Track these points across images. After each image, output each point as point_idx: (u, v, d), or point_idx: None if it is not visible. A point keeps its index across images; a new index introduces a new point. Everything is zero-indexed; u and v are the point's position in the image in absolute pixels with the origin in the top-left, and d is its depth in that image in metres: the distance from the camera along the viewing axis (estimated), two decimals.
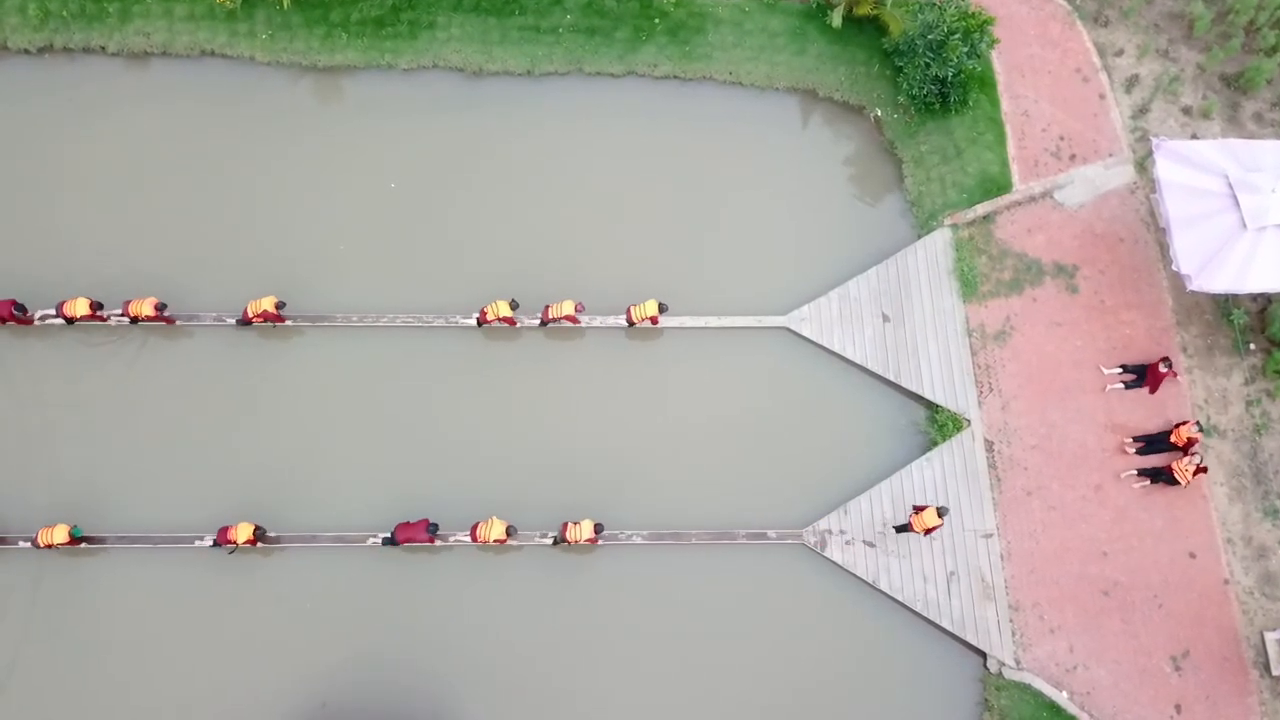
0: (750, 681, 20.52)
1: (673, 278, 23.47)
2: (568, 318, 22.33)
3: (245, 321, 22.16)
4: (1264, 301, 23.21)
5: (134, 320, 22.05)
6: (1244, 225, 21.12)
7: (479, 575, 20.99)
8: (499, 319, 22.15)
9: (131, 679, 19.95)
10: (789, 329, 23.24)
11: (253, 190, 23.95)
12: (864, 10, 24.98)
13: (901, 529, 21.06)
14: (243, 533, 20.10)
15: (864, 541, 21.35)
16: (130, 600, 20.47)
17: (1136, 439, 21.93)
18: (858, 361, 22.98)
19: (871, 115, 25.68)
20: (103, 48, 24.84)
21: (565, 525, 20.57)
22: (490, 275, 23.29)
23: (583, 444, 22.13)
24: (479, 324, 22.60)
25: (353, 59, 25.16)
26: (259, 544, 20.43)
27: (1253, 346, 22.99)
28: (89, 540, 20.51)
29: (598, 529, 20.50)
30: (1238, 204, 21.27)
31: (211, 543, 20.48)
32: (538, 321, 22.73)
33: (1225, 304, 23.12)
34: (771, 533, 21.43)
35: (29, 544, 20.29)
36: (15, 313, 21.69)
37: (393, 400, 22.28)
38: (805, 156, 25.41)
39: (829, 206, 24.85)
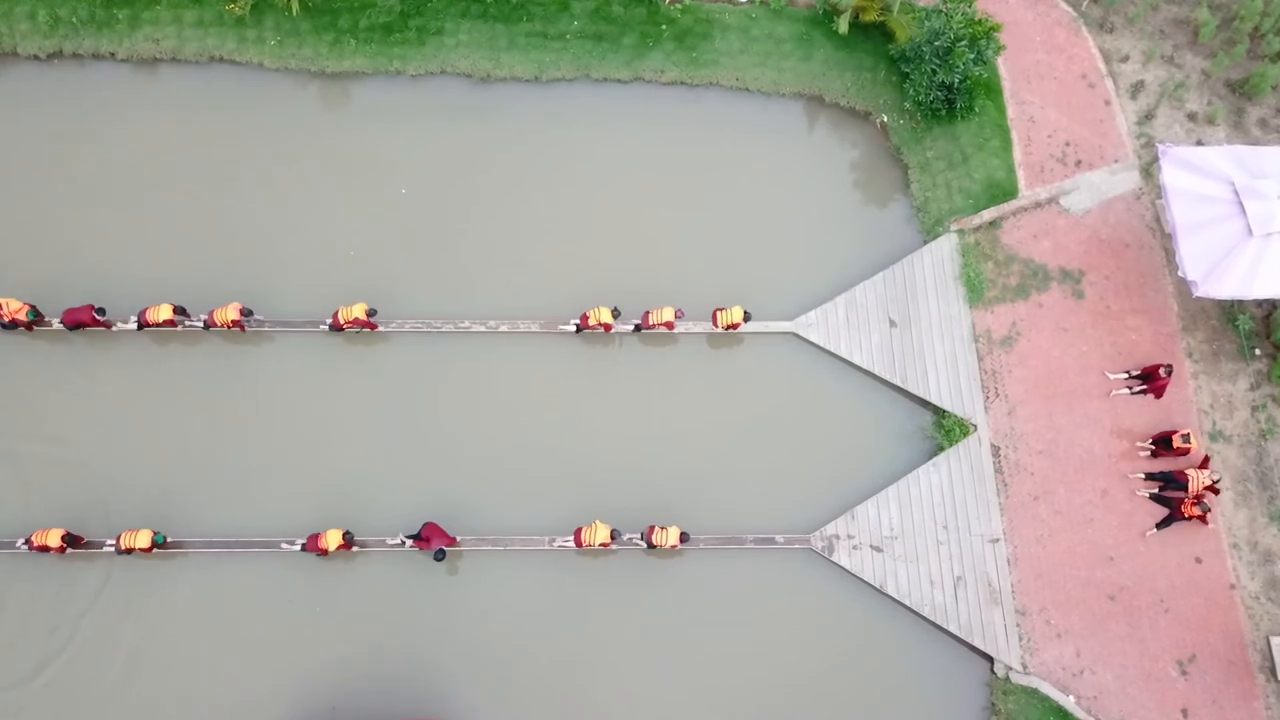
0: (757, 685, 20.58)
1: (678, 283, 23.54)
2: (666, 324, 22.47)
3: (337, 328, 22.22)
4: (1269, 307, 23.27)
5: (208, 326, 22.08)
6: (1250, 231, 21.18)
7: (483, 579, 21.07)
8: (599, 324, 22.32)
9: (138, 680, 20.00)
10: (796, 334, 23.32)
11: (260, 195, 24.00)
12: (870, 17, 25.07)
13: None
14: (333, 539, 20.17)
15: (871, 546, 21.43)
16: (142, 603, 20.53)
17: (1149, 475, 21.89)
18: (864, 367, 23.06)
19: (878, 121, 25.77)
20: (112, 54, 24.94)
21: (651, 529, 20.75)
22: (493, 278, 23.46)
23: (587, 448, 22.21)
24: (578, 330, 22.73)
25: (361, 65, 25.27)
26: (351, 549, 20.58)
27: (1258, 352, 23.06)
28: (169, 546, 20.54)
29: (683, 538, 20.71)
30: (1243, 210, 21.33)
31: (300, 548, 20.56)
32: (631, 327, 22.88)
33: (1231, 309, 23.18)
34: (779, 537, 21.52)
35: (112, 546, 20.33)
36: (96, 316, 21.73)
37: (404, 406, 22.40)
38: (811, 162, 25.50)
39: (835, 212, 24.93)
